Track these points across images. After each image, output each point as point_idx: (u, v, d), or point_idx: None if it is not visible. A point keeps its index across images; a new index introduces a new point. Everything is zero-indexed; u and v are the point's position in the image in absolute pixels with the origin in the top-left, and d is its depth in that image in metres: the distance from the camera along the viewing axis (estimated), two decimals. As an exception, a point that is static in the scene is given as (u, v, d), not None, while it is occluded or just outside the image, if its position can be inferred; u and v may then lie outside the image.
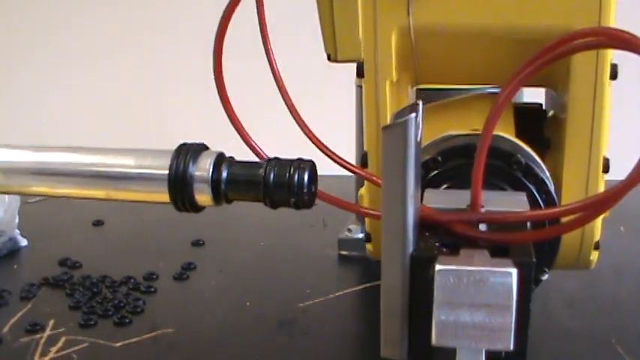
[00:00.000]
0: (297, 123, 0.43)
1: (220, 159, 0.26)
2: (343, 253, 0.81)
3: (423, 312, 0.30)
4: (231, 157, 0.27)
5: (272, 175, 0.26)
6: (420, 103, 0.32)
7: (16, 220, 0.87)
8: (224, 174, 0.26)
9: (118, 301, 0.69)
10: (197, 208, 0.27)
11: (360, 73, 0.46)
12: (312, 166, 0.27)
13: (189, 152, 0.26)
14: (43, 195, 0.28)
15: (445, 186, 0.43)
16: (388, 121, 0.43)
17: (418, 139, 0.30)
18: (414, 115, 0.28)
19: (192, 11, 1.94)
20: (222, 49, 0.41)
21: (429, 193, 0.39)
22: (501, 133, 0.44)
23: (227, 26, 0.41)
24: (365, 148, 0.48)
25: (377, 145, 0.47)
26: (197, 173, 0.26)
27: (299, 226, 0.88)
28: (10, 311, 0.68)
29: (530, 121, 0.50)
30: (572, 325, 0.64)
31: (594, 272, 0.75)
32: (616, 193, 0.32)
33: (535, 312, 0.62)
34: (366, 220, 0.50)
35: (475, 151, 0.36)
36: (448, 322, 0.30)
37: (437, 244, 0.33)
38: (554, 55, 0.36)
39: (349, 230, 0.82)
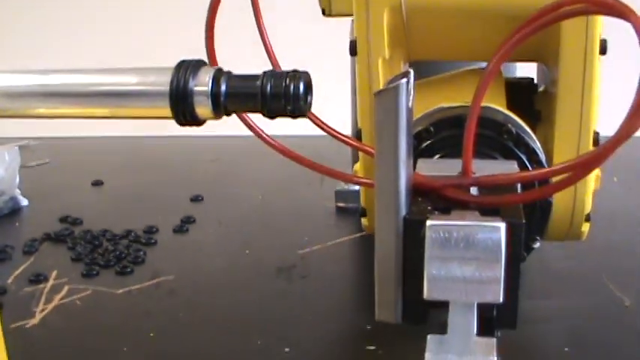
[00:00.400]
0: None
1: (219, 73, 0.27)
2: (340, 205, 0.82)
3: (416, 272, 0.31)
4: (229, 71, 0.28)
5: (269, 86, 0.27)
6: (411, 70, 0.32)
7: (17, 180, 0.88)
8: (223, 87, 0.27)
9: (119, 252, 0.71)
10: (198, 121, 0.28)
11: (352, 52, 0.46)
12: (307, 76, 0.28)
13: (188, 68, 0.27)
14: (47, 117, 0.29)
15: (438, 156, 0.44)
16: None
17: (409, 105, 0.30)
18: (405, 80, 0.29)
19: None
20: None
21: (422, 162, 0.40)
22: (493, 105, 0.45)
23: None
24: (359, 125, 0.49)
25: (370, 121, 0.47)
26: (197, 87, 0.27)
27: (297, 181, 0.89)
28: (13, 264, 0.70)
29: (521, 94, 0.51)
30: (564, 265, 0.66)
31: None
32: (602, 152, 0.33)
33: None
34: (361, 194, 0.51)
35: (466, 122, 0.37)
36: (439, 276, 0.30)
37: (429, 207, 0.33)
38: (541, 24, 0.36)
39: (340, 190, 0.83)
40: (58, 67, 0.28)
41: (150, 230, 0.77)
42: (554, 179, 0.36)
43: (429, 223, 0.30)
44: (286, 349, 0.53)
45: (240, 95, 0.27)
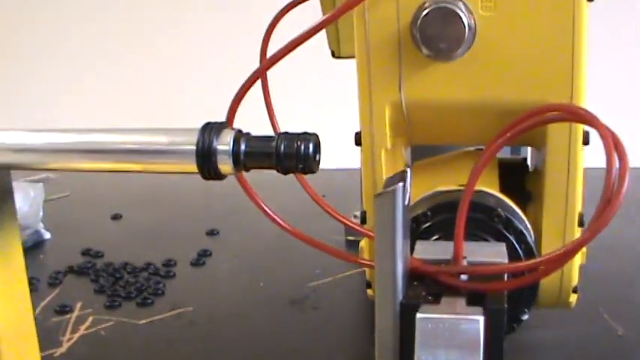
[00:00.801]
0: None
1: (239, 134, 0.31)
2: (350, 238, 0.85)
3: (411, 351, 0.34)
4: (248, 133, 0.32)
5: (282, 147, 0.31)
6: (408, 170, 0.36)
7: (40, 215, 0.92)
8: (242, 147, 0.31)
9: (139, 285, 0.75)
10: (221, 177, 0.32)
11: (357, 143, 0.49)
12: (315, 138, 0.32)
13: (212, 129, 0.31)
14: (89, 171, 0.32)
15: (435, 237, 0.47)
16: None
17: (406, 203, 0.34)
18: (401, 184, 0.33)
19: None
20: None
21: (420, 244, 0.43)
22: (485, 189, 0.48)
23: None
24: (364, 207, 0.52)
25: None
26: (220, 147, 0.31)
27: (308, 215, 0.93)
28: (39, 295, 0.73)
29: (513, 174, 0.53)
30: None
31: (590, 249, 0.80)
32: (572, 249, 0.38)
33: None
34: (367, 269, 0.54)
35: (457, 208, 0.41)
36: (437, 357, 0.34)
37: (423, 292, 0.37)
38: (524, 127, 0.41)
39: (355, 217, 0.86)
40: (100, 128, 0.32)
41: (168, 263, 0.81)
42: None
43: (418, 315, 0.34)
44: (299, 378, 0.57)
45: (258, 154, 0.31)
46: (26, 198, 0.89)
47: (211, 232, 0.90)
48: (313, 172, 0.32)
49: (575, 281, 0.50)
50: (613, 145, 0.35)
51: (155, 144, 0.31)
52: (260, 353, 0.61)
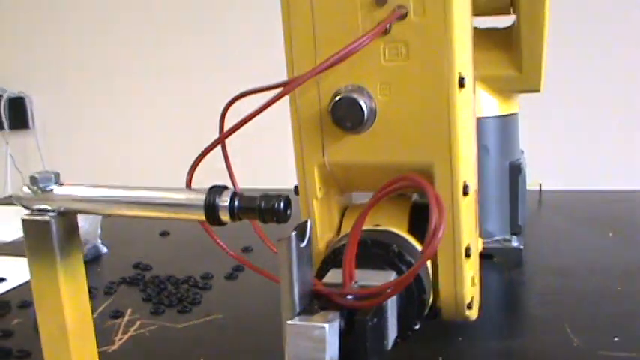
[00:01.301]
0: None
1: (234, 195, 0.43)
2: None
3: None
4: (241, 193, 0.44)
5: (263, 204, 0.43)
6: (309, 220, 0.45)
7: (99, 231, 1.06)
8: (236, 204, 0.43)
9: (180, 295, 0.87)
10: (222, 224, 0.44)
11: (296, 193, 0.59)
12: (287, 199, 0.44)
13: (216, 191, 0.43)
14: (132, 217, 0.45)
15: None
16: (317, 230, 0.58)
17: (303, 244, 0.43)
18: (294, 233, 0.42)
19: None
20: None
21: (332, 271, 0.52)
22: (392, 228, 0.56)
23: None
24: None
25: None
26: (221, 204, 0.43)
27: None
28: (97, 302, 0.87)
29: (420, 215, 0.60)
30: (537, 311, 0.80)
31: (571, 268, 0.90)
32: (406, 277, 0.46)
33: (510, 299, 0.78)
34: None
35: (364, 244, 0.50)
36: (295, 353, 0.43)
37: (317, 307, 0.45)
38: (389, 191, 0.50)
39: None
40: (136, 185, 0.45)
41: (206, 276, 0.93)
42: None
43: (287, 322, 0.43)
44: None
45: (247, 209, 0.43)
46: (86, 217, 1.03)
47: (246, 249, 1.02)
48: (285, 222, 0.44)
49: (467, 299, 0.57)
50: (435, 203, 0.44)
51: (176, 200, 0.44)
52: (280, 351, 0.73)
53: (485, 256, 0.91)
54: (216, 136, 0.51)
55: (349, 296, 0.46)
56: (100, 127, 2.97)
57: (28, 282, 0.93)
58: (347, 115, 0.50)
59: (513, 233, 0.97)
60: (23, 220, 0.48)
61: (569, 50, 2.06)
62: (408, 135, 0.52)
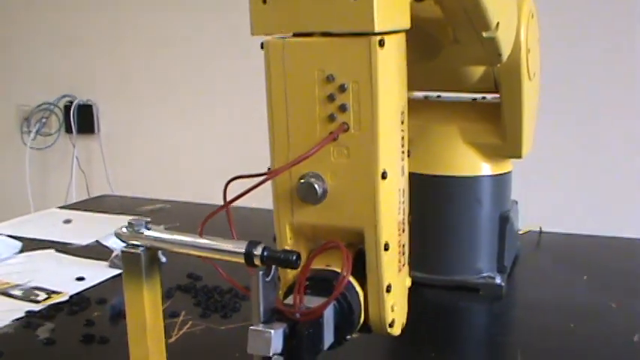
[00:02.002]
0: None
1: (264, 249, 0.64)
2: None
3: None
4: (269, 247, 0.65)
5: (282, 256, 0.63)
6: (274, 267, 0.62)
7: (161, 245, 1.28)
8: (265, 254, 0.64)
9: (224, 303, 1.08)
10: (255, 266, 0.66)
11: (274, 240, 0.72)
12: (298, 254, 0.64)
13: (252, 244, 0.64)
14: (193, 255, 0.68)
15: (309, 292, 0.67)
16: (288, 274, 0.72)
17: (268, 279, 0.62)
18: (261, 272, 0.61)
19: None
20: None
21: (292, 296, 0.65)
22: (336, 268, 0.69)
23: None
24: None
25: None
26: (255, 253, 0.65)
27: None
28: (158, 304, 1.09)
29: (361, 258, 0.71)
30: (498, 340, 0.98)
31: (539, 305, 1.09)
32: (324, 304, 0.62)
33: (479, 327, 0.96)
34: None
35: (312, 280, 0.66)
36: (252, 347, 0.60)
37: (275, 319, 0.61)
38: (323, 248, 0.68)
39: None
40: (197, 234, 0.67)
41: (246, 288, 1.14)
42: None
43: (250, 327, 0.61)
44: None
45: (271, 258, 0.63)
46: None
47: (279, 267, 1.24)
48: (295, 269, 0.65)
49: (389, 321, 0.71)
50: (346, 259, 0.64)
51: (224, 247, 0.66)
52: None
53: (472, 289, 1.12)
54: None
55: (297, 314, 0.62)
56: (158, 135, 3.17)
57: (104, 281, 1.17)
58: (307, 194, 0.68)
59: (499, 271, 1.16)
60: (123, 252, 0.70)
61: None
62: (348, 208, 0.68)
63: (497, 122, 1.11)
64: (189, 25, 2.95)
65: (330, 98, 0.65)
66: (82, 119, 3.23)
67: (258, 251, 0.63)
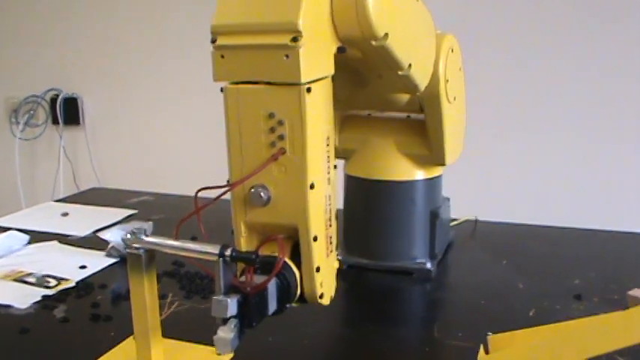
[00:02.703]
0: None
1: (233, 249, 0.87)
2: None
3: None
4: (236, 248, 0.88)
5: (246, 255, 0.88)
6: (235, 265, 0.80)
7: (149, 237, 1.51)
8: (233, 254, 0.88)
9: (204, 286, 1.30)
10: (227, 263, 0.89)
11: (232, 233, 0.88)
12: (257, 253, 0.88)
13: (224, 247, 0.86)
14: (177, 255, 0.92)
15: (259, 271, 0.83)
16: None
17: (226, 267, 0.79)
18: (221, 259, 0.79)
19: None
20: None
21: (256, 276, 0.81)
22: (277, 255, 0.84)
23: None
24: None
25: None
26: (226, 254, 0.88)
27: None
28: (150, 288, 1.32)
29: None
30: (422, 314, 1.22)
31: (459, 285, 1.31)
32: (264, 282, 0.79)
33: (406, 302, 1.21)
34: None
35: (259, 263, 0.81)
36: (214, 311, 0.79)
37: (232, 292, 0.78)
38: (266, 240, 0.87)
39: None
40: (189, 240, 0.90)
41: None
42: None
43: (213, 297, 0.78)
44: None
45: (238, 257, 0.89)
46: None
47: (249, 255, 1.47)
48: (254, 265, 0.89)
49: (319, 293, 0.87)
50: (281, 248, 0.83)
51: (201, 249, 0.89)
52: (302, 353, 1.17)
53: (407, 273, 1.36)
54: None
55: (248, 288, 0.79)
56: (139, 126, 3.33)
57: (103, 269, 1.40)
58: (256, 200, 0.86)
59: (430, 258, 1.39)
60: (128, 253, 0.94)
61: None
62: (286, 210, 0.84)
63: (426, 136, 1.34)
64: (173, 19, 3.08)
65: (272, 130, 0.83)
66: (68, 111, 3.40)
67: (228, 252, 0.87)
